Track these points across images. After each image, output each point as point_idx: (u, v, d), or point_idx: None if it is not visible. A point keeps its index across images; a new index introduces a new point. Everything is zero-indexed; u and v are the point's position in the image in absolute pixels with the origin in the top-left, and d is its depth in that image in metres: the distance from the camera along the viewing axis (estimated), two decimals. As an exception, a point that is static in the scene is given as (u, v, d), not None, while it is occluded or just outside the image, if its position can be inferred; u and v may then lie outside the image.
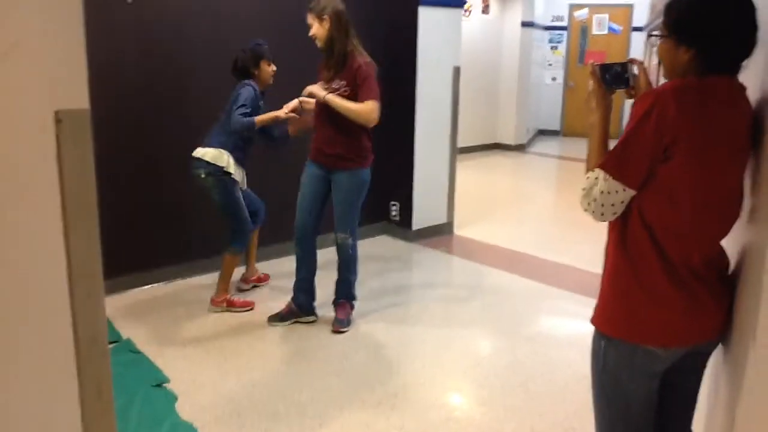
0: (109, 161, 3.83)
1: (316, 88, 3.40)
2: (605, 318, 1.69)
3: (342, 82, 3.35)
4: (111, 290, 3.90)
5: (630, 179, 1.52)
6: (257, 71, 3.71)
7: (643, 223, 1.56)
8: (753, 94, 1.57)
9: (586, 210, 1.61)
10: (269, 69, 3.76)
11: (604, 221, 1.63)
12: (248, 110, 3.53)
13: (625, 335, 1.64)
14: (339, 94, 3.34)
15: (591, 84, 1.69)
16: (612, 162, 1.54)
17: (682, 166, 1.48)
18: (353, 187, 3.52)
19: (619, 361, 1.67)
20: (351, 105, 3.32)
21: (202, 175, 3.61)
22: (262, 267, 4.36)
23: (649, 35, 1.61)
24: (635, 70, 1.70)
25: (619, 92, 1.72)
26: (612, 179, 1.53)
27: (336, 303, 3.74)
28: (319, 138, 3.53)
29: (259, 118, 3.56)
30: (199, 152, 3.61)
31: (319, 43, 3.39)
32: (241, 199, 3.74)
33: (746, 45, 1.48)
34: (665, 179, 1.50)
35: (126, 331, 3.52)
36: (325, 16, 3.32)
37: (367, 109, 3.31)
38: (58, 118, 1.10)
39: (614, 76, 1.67)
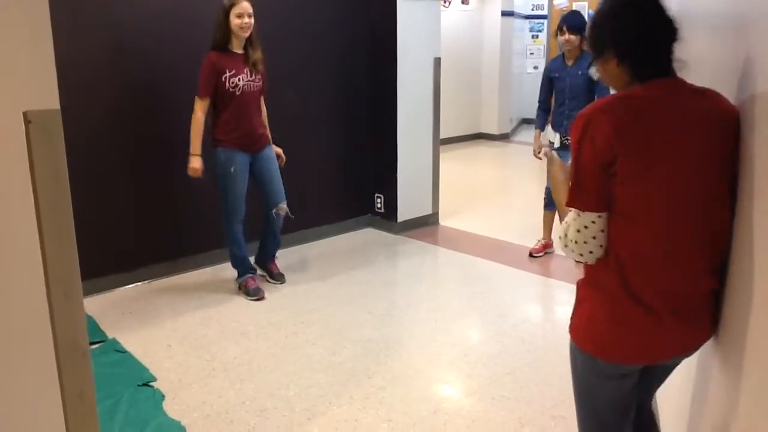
0: (88, 160, 3.79)
1: None
2: (573, 326, 1.69)
3: None
4: (95, 290, 3.87)
5: (596, 205, 1.50)
6: None
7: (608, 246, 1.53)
8: (732, 94, 1.51)
9: (571, 256, 1.58)
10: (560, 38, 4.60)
11: (595, 258, 1.54)
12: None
13: (590, 350, 1.62)
14: None
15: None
16: (574, 197, 1.53)
17: (631, 180, 1.45)
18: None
19: (587, 366, 1.67)
20: None
21: None
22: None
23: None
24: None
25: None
26: (583, 212, 1.51)
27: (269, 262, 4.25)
28: (248, 126, 3.82)
29: None
30: None
31: None
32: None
33: (662, 43, 1.50)
34: (622, 198, 1.47)
35: (111, 330, 3.49)
36: None
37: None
38: (28, 119, 1.08)
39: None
